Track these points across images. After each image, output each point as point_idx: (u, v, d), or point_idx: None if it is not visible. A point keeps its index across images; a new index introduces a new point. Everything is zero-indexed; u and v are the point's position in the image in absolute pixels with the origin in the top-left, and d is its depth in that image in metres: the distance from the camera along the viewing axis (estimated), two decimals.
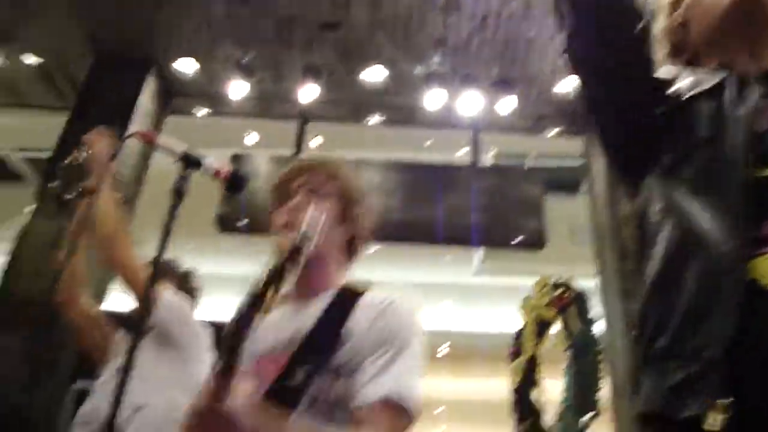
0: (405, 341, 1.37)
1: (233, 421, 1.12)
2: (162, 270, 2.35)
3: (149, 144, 1.59)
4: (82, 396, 3.87)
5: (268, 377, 1.41)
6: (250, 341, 1.54)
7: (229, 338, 1.17)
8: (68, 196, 2.20)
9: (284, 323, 1.51)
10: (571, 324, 5.51)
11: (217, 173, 1.61)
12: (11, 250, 4.25)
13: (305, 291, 1.54)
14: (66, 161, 2.12)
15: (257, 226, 4.09)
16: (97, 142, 2.19)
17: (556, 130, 5.52)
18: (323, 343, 1.40)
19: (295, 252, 1.33)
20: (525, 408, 5.79)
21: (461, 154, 5.29)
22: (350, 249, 1.61)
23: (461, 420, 8.61)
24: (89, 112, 4.71)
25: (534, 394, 5.81)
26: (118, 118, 4.59)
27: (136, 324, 1.33)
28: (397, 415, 1.30)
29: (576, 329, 5.42)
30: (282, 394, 1.35)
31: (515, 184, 4.94)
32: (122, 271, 2.17)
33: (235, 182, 1.62)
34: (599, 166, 4.96)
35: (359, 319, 1.41)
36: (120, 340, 2.44)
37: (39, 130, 6.02)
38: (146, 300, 1.55)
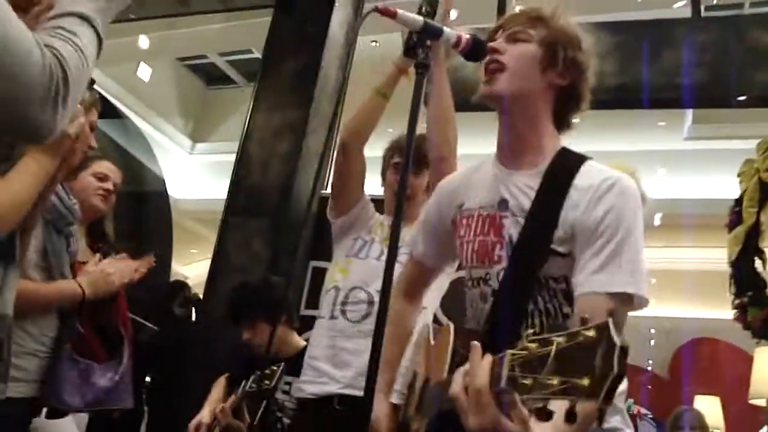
0: (629, 229, 1.32)
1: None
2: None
3: (391, 17, 1.57)
4: (317, 274, 4.23)
5: (484, 233, 1.46)
6: (459, 196, 1.58)
7: None
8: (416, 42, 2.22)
9: (496, 182, 1.51)
10: None
11: (458, 41, 1.57)
12: (239, 145, 4.57)
13: (512, 156, 1.51)
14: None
15: (465, 106, 4.04)
16: None
17: None
18: (544, 220, 1.38)
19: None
20: (745, 279, 5.47)
21: (679, 6, 4.82)
22: (565, 100, 1.52)
23: (674, 291, 8.34)
24: (291, 7, 4.83)
25: (756, 265, 5.46)
26: (321, 8, 4.68)
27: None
28: (626, 307, 1.29)
29: None
30: (515, 280, 1.38)
31: (744, 32, 4.42)
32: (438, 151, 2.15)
33: (476, 49, 1.58)
34: None
35: (576, 205, 1.37)
36: (369, 207, 2.52)
37: (243, 33, 6.32)
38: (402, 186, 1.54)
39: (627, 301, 1.28)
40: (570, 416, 0.77)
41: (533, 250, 1.39)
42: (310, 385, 2.40)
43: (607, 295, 1.26)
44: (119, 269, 2.40)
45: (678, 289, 8.33)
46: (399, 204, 1.45)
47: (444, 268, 1.84)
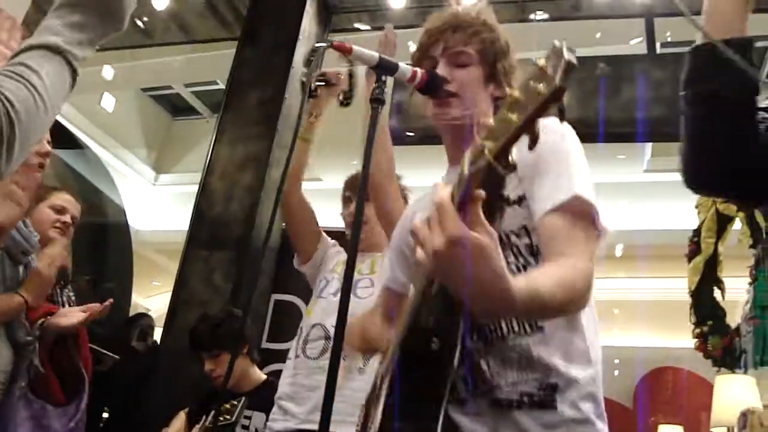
0: (567, 151, 1.33)
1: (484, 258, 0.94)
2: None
3: (346, 54, 1.59)
4: (279, 307, 4.20)
5: None
6: (418, 211, 1.60)
7: None
8: (314, 87, 2.29)
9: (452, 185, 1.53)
10: (756, 220, 5.16)
11: (413, 76, 1.59)
12: (201, 176, 4.55)
13: (461, 152, 1.54)
14: (310, 55, 2.13)
15: (426, 138, 4.09)
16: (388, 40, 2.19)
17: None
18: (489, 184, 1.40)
19: None
20: (705, 309, 5.55)
21: (635, 43, 4.96)
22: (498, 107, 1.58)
23: (636, 321, 8.43)
24: (256, 40, 4.87)
25: (715, 294, 5.55)
26: (284, 42, 4.71)
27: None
28: (584, 219, 1.25)
29: (764, 224, 5.07)
30: None
31: None
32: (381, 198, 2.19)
33: (432, 83, 1.60)
34: None
35: (519, 147, 1.39)
36: (328, 245, 2.55)
37: (207, 64, 6.33)
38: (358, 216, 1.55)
39: (580, 207, 1.26)
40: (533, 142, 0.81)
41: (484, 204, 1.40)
42: (275, 423, 2.43)
43: (559, 209, 1.25)
44: (41, 259, 2.30)
45: (639, 318, 8.42)
46: (355, 234, 1.46)
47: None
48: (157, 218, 8.62)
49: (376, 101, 1.60)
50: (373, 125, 1.59)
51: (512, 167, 0.86)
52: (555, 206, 1.26)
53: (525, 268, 1.33)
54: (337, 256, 2.61)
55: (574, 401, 1.28)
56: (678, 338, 7.38)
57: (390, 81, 1.65)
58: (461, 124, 1.51)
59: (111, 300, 2.50)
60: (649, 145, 7.08)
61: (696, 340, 5.59)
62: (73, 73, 1.17)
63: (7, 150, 1.04)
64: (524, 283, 1.01)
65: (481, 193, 0.93)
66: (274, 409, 2.48)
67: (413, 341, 1.23)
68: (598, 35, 4.55)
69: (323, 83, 2.28)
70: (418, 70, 1.56)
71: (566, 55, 0.77)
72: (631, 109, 4.44)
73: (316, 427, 2.12)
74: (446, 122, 1.54)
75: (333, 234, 2.69)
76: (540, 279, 1.08)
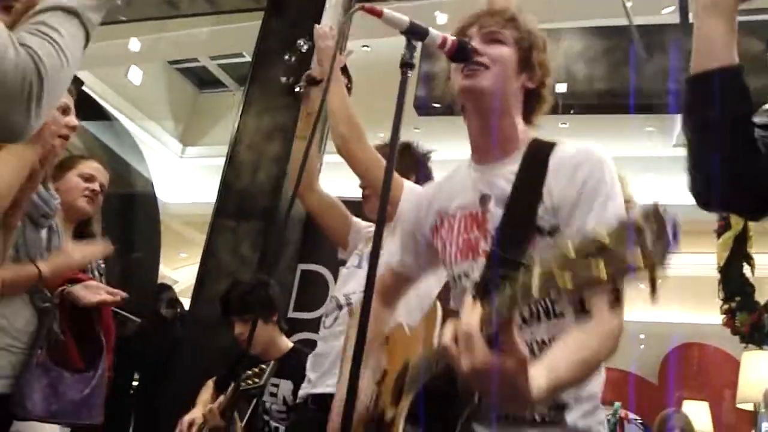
0: (606, 191, 1.34)
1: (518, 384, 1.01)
2: (404, 156, 2.43)
3: (377, 16, 1.57)
4: (306, 276, 4.23)
5: (468, 231, 1.47)
6: (438, 201, 1.60)
7: None
8: (298, 88, 2.31)
9: (474, 181, 1.53)
10: None
11: (443, 43, 1.57)
12: (228, 148, 4.58)
13: (489, 152, 1.53)
14: (291, 52, 2.20)
15: (454, 108, 4.06)
16: (324, 34, 2.24)
17: None
18: (526, 202, 1.40)
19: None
20: (734, 285, 5.49)
21: (668, 12, 4.85)
22: (533, 101, 1.57)
23: (664, 296, 8.36)
24: (282, 10, 4.85)
25: (744, 270, 5.48)
26: (310, 12, 4.68)
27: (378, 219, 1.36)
28: None
29: None
30: (501, 263, 1.36)
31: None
32: (357, 166, 2.22)
33: (460, 51, 1.58)
34: None
35: (557, 176, 1.39)
36: (360, 227, 2.55)
37: (233, 36, 6.32)
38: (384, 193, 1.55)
39: None
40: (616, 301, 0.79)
41: (516, 233, 1.39)
42: (300, 390, 2.49)
43: None
44: (80, 248, 2.34)
45: (667, 294, 8.36)
46: (382, 206, 1.45)
47: (420, 277, 1.81)
48: (184, 191, 8.70)
49: (406, 66, 1.58)
50: (402, 91, 1.57)
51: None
52: None
53: (552, 303, 1.36)
54: (368, 234, 2.61)
55: (583, 415, 1.34)
56: (706, 314, 7.32)
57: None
58: (488, 106, 1.51)
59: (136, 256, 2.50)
60: (679, 119, 6.97)
61: (724, 315, 5.54)
62: (87, 35, 1.20)
63: (37, 105, 1.08)
64: (545, 379, 1.06)
65: (515, 321, 0.97)
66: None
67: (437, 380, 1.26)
68: (629, 4, 4.45)
69: (311, 83, 2.29)
70: (449, 36, 1.55)
71: (671, 239, 0.74)
72: (662, 80, 4.36)
73: (324, 390, 2.22)
74: (473, 94, 1.52)
75: (351, 205, 2.67)
76: (560, 367, 1.13)
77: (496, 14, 1.56)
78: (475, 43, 1.53)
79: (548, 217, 1.37)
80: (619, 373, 8.22)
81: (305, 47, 2.33)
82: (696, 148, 1.19)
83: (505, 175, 1.48)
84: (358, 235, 2.58)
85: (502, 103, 1.52)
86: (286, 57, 2.27)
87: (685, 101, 1.22)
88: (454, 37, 1.54)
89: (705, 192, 1.19)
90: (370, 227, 2.61)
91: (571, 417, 1.32)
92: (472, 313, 0.99)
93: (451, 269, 1.54)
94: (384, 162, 2.17)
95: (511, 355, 0.98)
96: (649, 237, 0.75)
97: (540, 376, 1.05)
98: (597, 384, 1.38)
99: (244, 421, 2.76)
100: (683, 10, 4.76)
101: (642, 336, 8.10)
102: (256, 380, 2.62)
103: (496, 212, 1.45)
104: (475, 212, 1.49)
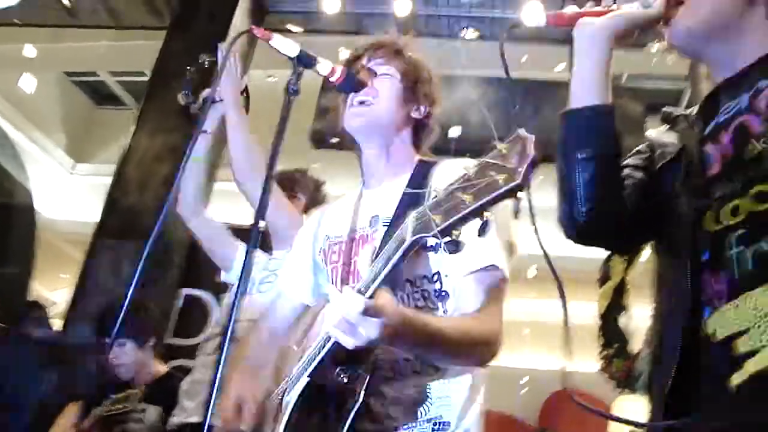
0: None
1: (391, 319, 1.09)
2: (292, 181, 2.42)
3: (266, 41, 1.58)
4: (189, 302, 4.12)
5: (363, 254, 1.49)
6: (327, 227, 1.62)
7: None
8: (194, 106, 2.27)
9: (365, 206, 1.57)
10: None
11: (332, 72, 1.60)
12: (117, 165, 4.44)
13: (378, 176, 1.58)
14: (191, 70, 2.16)
15: (350, 142, 4.10)
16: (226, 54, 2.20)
17: (660, 46, 5.23)
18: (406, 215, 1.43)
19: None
20: (611, 333, 5.74)
21: (559, 71, 5.11)
22: (420, 130, 1.63)
23: (546, 342, 8.62)
24: (185, 31, 4.79)
25: (621, 320, 5.74)
26: (214, 36, 4.65)
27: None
28: (494, 282, 1.35)
29: None
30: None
31: (616, 100, 4.73)
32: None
33: (350, 81, 1.61)
34: (704, 87, 4.70)
35: (439, 183, 1.43)
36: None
37: (135, 53, 6.18)
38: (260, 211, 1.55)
39: (494, 275, 1.35)
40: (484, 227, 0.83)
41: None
42: (172, 417, 2.45)
43: (476, 273, 1.34)
44: None
45: (549, 340, 8.63)
46: (254, 231, 1.44)
47: (313, 302, 1.78)
48: (72, 208, 8.32)
49: (291, 91, 1.60)
50: (285, 115, 1.58)
51: (455, 245, 0.88)
52: (476, 270, 1.33)
53: (432, 312, 1.39)
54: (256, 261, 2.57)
55: None
56: (585, 361, 7.59)
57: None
58: (375, 139, 1.55)
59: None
60: None
61: (601, 362, 5.75)
62: None
63: None
64: (424, 320, 1.19)
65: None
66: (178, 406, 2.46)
67: (322, 372, 1.28)
68: (524, 59, 4.67)
69: (210, 102, 2.28)
70: (338, 66, 1.57)
71: (531, 151, 0.78)
72: (552, 132, 4.55)
73: (200, 419, 2.16)
74: (359, 130, 1.55)
75: (239, 232, 2.63)
76: (444, 323, 1.24)
77: (384, 47, 1.61)
78: (363, 76, 1.56)
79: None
80: (501, 417, 8.38)
81: (207, 64, 2.29)
82: (563, 181, 1.24)
83: (392, 195, 1.51)
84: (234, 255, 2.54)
85: (389, 135, 1.57)
86: (188, 70, 2.23)
87: (558, 136, 1.27)
88: (342, 68, 1.57)
89: (570, 224, 1.24)
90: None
91: None
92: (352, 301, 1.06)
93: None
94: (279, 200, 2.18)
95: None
96: (513, 159, 0.78)
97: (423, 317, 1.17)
98: (476, 410, 1.41)
99: None
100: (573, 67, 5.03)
101: (524, 380, 8.30)
102: (123, 405, 2.51)
103: (382, 230, 1.48)
104: (365, 234, 1.52)
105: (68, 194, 8.52)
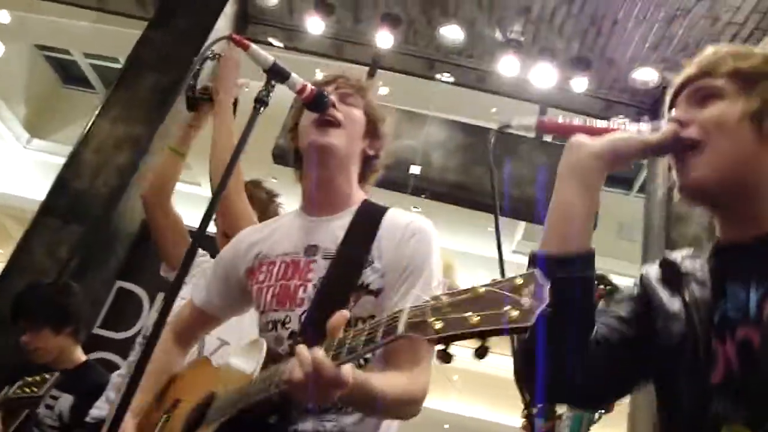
0: (430, 270, 1.43)
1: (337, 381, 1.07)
2: (246, 190, 2.41)
3: (243, 49, 1.59)
4: (121, 294, 4.04)
5: (287, 278, 1.49)
6: (258, 246, 1.62)
7: None
8: (195, 96, 2.26)
9: (302, 231, 1.57)
10: None
11: (302, 90, 1.61)
12: (75, 147, 4.36)
13: (323, 206, 1.59)
14: (200, 60, 2.14)
15: (288, 158, 4.10)
16: (234, 52, 2.19)
17: (624, 120, 5.40)
18: (354, 258, 1.45)
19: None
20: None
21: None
22: (369, 167, 1.66)
23: (474, 391, 8.68)
24: (166, 26, 4.77)
25: None
26: (195, 35, 4.64)
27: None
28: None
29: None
30: (319, 319, 1.32)
31: None
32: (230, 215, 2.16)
33: (318, 101, 1.62)
34: (661, 166, 4.86)
35: (388, 239, 1.46)
36: (199, 262, 2.47)
37: (113, 39, 6.12)
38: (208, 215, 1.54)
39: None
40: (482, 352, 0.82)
41: (341, 286, 1.42)
42: (95, 410, 2.40)
43: None
44: None
45: (478, 389, 8.69)
46: (199, 231, 1.44)
47: (225, 319, 1.78)
48: (19, 183, 8.13)
49: (260, 102, 1.60)
50: (250, 124, 1.59)
51: (447, 357, 0.88)
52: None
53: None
54: (202, 262, 2.54)
55: None
56: (509, 415, 7.64)
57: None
58: (333, 163, 1.56)
59: None
60: (521, 227, 7.41)
61: (524, 420, 5.77)
62: None
63: None
64: (364, 377, 1.18)
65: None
66: (102, 398, 2.41)
67: (251, 409, 1.26)
68: (494, 110, 4.78)
69: (206, 97, 2.28)
70: (309, 84, 1.59)
71: (547, 298, 0.78)
72: (511, 184, 4.64)
73: None
74: (323, 150, 1.56)
75: (208, 238, 2.60)
76: (381, 381, 1.23)
77: (352, 80, 1.65)
78: (336, 101, 1.58)
79: (375, 277, 1.41)
80: None
81: (213, 56, 2.27)
82: (529, 335, 1.02)
83: (335, 229, 1.51)
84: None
85: (345, 163, 1.58)
86: (195, 62, 2.22)
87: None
88: (313, 87, 1.59)
89: (531, 382, 1.10)
90: (204, 256, 2.54)
91: None
92: (315, 350, 1.06)
93: (265, 315, 1.53)
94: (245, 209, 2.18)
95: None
96: (525, 295, 0.79)
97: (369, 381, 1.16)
98: None
99: (11, 430, 2.54)
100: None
101: (446, 426, 8.32)
102: (34, 389, 2.42)
103: (321, 264, 1.47)
104: (298, 260, 1.51)
105: (18, 169, 8.33)
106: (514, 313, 0.78)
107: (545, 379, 1.04)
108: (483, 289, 0.83)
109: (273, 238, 1.61)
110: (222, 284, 1.67)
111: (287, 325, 1.46)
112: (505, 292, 0.80)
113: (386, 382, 1.25)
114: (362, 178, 1.65)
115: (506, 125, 1.25)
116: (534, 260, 1.08)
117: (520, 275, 0.81)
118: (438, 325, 0.84)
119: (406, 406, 1.29)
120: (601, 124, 1.17)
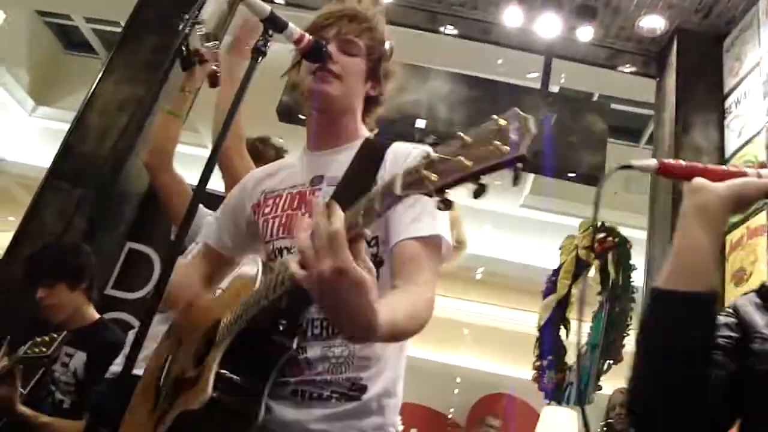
0: None
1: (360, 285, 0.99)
2: (253, 149, 2.41)
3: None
4: (132, 255, 4.08)
5: (293, 208, 1.52)
6: (263, 183, 1.63)
7: None
8: (191, 58, 2.25)
9: (307, 166, 1.59)
10: (608, 270, 5.49)
11: (300, 39, 1.60)
12: (79, 111, 4.36)
13: (327, 141, 1.60)
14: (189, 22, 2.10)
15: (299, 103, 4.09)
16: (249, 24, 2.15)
17: (631, 68, 5.34)
18: (360, 182, 1.43)
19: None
20: (548, 344, 5.85)
21: (531, 77, 5.19)
22: (371, 105, 1.67)
23: (484, 345, 8.75)
24: None
25: (560, 333, 5.86)
26: None
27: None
28: (436, 252, 1.38)
29: (612, 275, 5.40)
30: None
31: (582, 115, 4.82)
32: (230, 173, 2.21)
33: (315, 51, 1.61)
34: (668, 114, 4.81)
35: (392, 163, 1.47)
36: (204, 214, 2.49)
37: (114, 3, 6.05)
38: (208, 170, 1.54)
39: (437, 245, 1.37)
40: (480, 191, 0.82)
41: (345, 207, 1.43)
42: (114, 366, 2.47)
43: (421, 240, 1.35)
44: None
45: (487, 343, 8.76)
46: (196, 196, 1.45)
47: (238, 259, 1.76)
48: (27, 150, 8.14)
49: (257, 52, 1.60)
50: (248, 75, 1.59)
51: (447, 204, 0.87)
52: (417, 236, 1.35)
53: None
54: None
55: (378, 397, 1.40)
56: (519, 368, 7.72)
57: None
58: (332, 110, 1.57)
59: None
60: (529, 181, 7.39)
61: (534, 371, 5.86)
62: None
63: None
64: (386, 316, 1.08)
65: (368, 233, 1.00)
66: (121, 356, 2.46)
67: (261, 317, 1.27)
68: (499, 62, 4.73)
69: (198, 60, 2.27)
70: (307, 34, 1.58)
71: (533, 129, 0.79)
72: None
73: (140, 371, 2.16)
74: (321, 99, 1.56)
75: (217, 197, 2.61)
76: (398, 311, 1.17)
77: (355, 19, 1.61)
78: (331, 48, 1.57)
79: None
80: (429, 412, 8.48)
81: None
82: (648, 373, 1.11)
83: (340, 160, 1.54)
84: (201, 221, 2.52)
85: (345, 106, 1.59)
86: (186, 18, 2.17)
87: (650, 318, 1.14)
88: (311, 37, 1.58)
89: (645, 417, 1.12)
90: (212, 215, 2.56)
91: (368, 395, 1.39)
92: (333, 215, 0.97)
93: (271, 244, 1.55)
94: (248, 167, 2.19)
95: (363, 264, 0.99)
96: (513, 132, 0.79)
97: (382, 311, 1.05)
98: (396, 373, 1.46)
99: (27, 389, 2.60)
100: (545, 79, 5.11)
101: (457, 380, 8.40)
102: (43, 349, 2.46)
103: (327, 191, 1.50)
104: (304, 191, 1.54)
105: (25, 136, 8.33)
106: (505, 148, 0.79)
107: (670, 413, 1.07)
108: (469, 135, 0.84)
109: (279, 175, 1.64)
110: (231, 224, 1.69)
111: (293, 251, 1.44)
112: (491, 132, 0.81)
113: (398, 310, 1.20)
114: (366, 117, 1.66)
115: (627, 165, 1.21)
116: (658, 296, 1.12)
117: (501, 116, 0.82)
118: (434, 177, 0.85)
119: (415, 328, 1.27)
120: (721, 168, 1.19)
